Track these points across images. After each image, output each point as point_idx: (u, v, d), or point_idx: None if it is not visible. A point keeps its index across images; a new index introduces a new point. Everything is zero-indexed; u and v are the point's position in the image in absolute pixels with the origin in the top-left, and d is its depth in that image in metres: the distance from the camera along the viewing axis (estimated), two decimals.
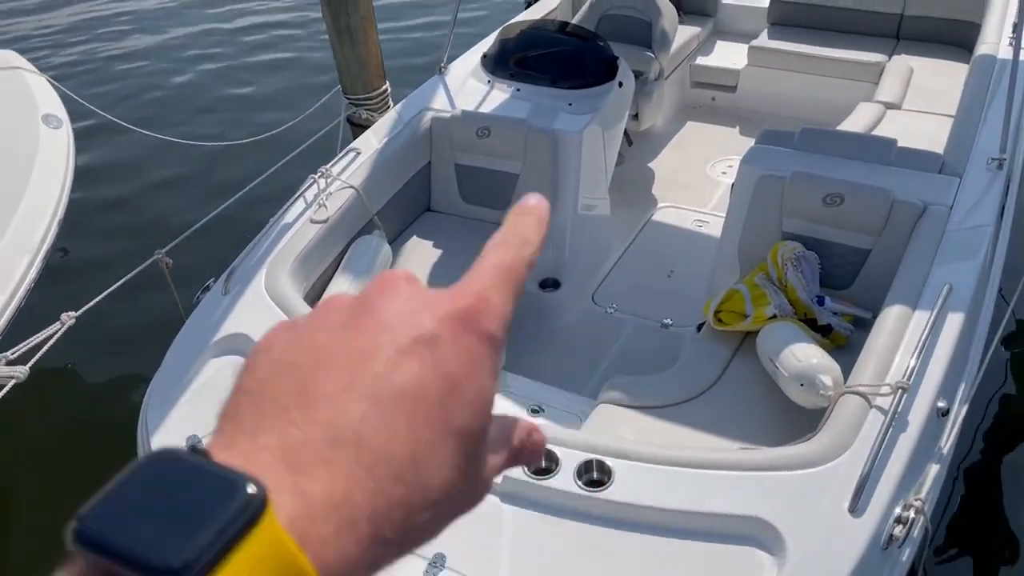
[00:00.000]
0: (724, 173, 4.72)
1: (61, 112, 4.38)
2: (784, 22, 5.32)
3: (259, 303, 2.83)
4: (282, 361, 0.37)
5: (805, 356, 2.54)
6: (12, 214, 3.58)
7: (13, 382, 2.73)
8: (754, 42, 5.20)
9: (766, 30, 5.32)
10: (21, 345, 2.79)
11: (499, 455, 0.41)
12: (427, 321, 0.38)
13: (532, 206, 0.45)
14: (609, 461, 2.14)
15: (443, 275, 3.37)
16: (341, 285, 3.14)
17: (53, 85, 4.62)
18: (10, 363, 2.76)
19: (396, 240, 3.61)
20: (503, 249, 0.43)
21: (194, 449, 0.32)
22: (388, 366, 0.36)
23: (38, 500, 3.63)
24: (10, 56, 4.86)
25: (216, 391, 2.55)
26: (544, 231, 0.44)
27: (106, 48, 8.26)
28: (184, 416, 2.47)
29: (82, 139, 4.64)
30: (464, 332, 0.38)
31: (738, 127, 5.20)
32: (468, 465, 0.37)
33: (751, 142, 3.40)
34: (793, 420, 2.53)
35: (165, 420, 2.46)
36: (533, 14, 5.24)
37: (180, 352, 2.72)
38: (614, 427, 2.60)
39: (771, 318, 2.82)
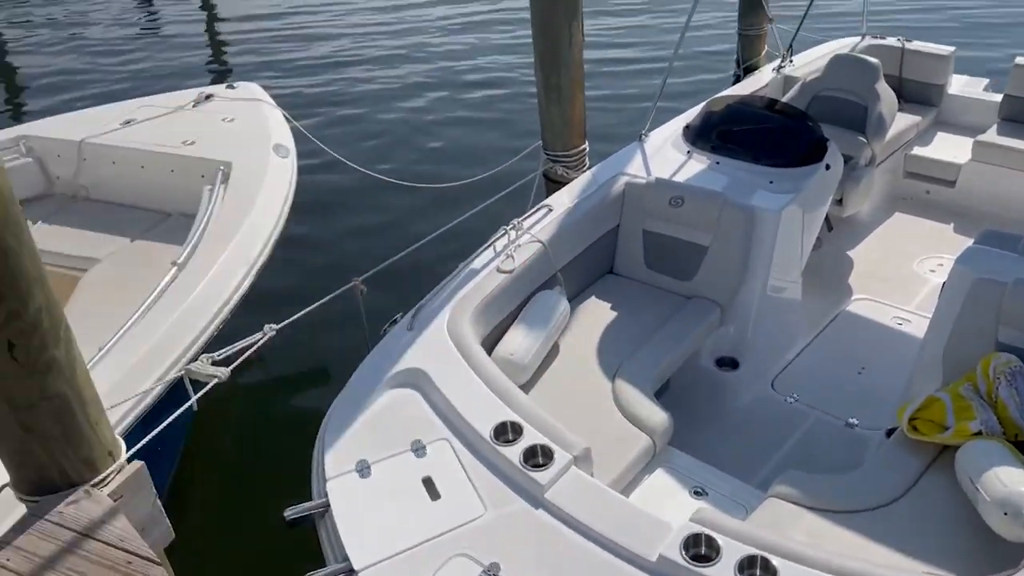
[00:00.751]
0: (933, 271, 4.41)
1: (290, 143, 4.83)
2: (1018, 118, 4.97)
3: (439, 342, 2.93)
4: None
5: (1012, 482, 2.29)
6: (236, 230, 3.96)
7: (216, 381, 2.99)
8: (981, 136, 4.88)
9: (996, 125, 4.99)
10: (226, 349, 3.05)
11: None
12: None
13: None
14: (775, 560, 2.01)
15: (618, 339, 3.34)
16: (517, 336, 3.19)
17: (287, 119, 5.09)
18: (216, 363, 3.02)
19: (576, 298, 3.63)
20: None
21: None
22: None
23: (217, 498, 3.91)
24: (254, 88, 5.45)
25: (390, 420, 2.65)
26: None
27: (338, 90, 9.01)
28: (357, 439, 2.58)
29: (304, 171, 5.06)
30: None
31: (953, 224, 4.87)
32: None
33: (966, 241, 3.17)
34: (990, 551, 2.29)
35: (339, 441, 2.57)
36: (742, 90, 5.19)
37: (362, 379, 2.86)
38: (783, 524, 2.44)
39: (975, 434, 2.57)
